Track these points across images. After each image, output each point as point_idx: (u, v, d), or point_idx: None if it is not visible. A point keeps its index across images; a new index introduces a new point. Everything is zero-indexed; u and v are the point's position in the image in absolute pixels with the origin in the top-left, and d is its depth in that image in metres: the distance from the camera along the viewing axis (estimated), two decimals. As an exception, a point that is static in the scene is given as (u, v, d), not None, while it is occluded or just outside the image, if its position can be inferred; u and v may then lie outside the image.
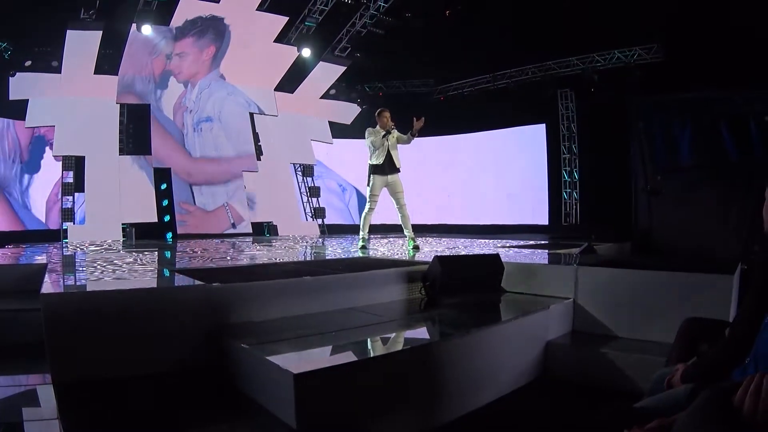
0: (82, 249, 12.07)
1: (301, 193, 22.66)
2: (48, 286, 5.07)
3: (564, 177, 19.92)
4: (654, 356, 4.64)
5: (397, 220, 10.32)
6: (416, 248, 10.06)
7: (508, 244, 12.17)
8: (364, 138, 10.16)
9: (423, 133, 10.17)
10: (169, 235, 18.20)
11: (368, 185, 10.16)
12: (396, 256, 8.98)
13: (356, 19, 19.21)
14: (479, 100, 21.58)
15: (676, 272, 5.83)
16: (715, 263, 5.90)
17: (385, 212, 11.12)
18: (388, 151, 10.01)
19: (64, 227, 17.31)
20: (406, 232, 10.37)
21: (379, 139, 10.01)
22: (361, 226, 10.46)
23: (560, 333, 5.95)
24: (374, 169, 10.07)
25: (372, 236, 15.77)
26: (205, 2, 18.21)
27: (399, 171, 10.14)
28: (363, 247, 10.14)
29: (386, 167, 10.04)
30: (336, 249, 11.38)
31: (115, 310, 4.22)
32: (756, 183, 2.94)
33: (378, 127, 10.15)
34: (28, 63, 16.92)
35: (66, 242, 15.93)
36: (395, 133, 10.13)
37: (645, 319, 5.61)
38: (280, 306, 5.06)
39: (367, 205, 10.23)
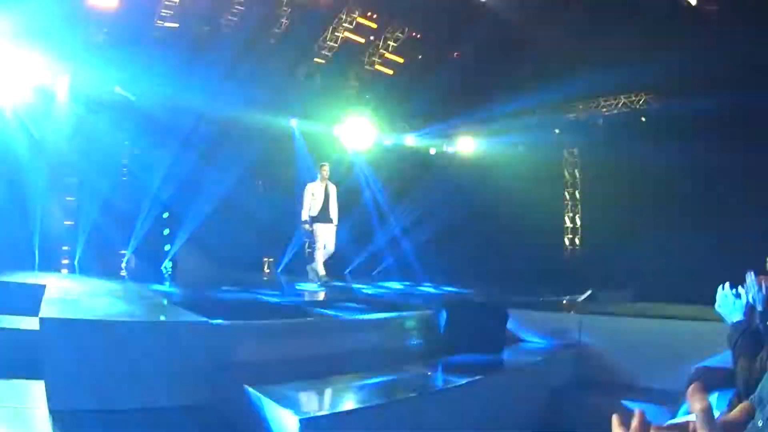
0: (82, 274, 12.00)
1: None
2: (47, 311, 4.97)
3: (566, 223, 19.80)
4: (660, 404, 4.58)
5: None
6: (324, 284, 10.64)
7: (512, 292, 12.08)
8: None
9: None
10: (169, 264, 18.07)
11: (312, 232, 11.03)
12: (396, 300, 8.95)
13: (365, 58, 19.33)
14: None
15: (682, 321, 5.80)
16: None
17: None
18: (326, 202, 10.90)
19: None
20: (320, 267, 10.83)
21: (321, 191, 10.90)
22: (319, 266, 10.91)
23: (564, 381, 5.88)
24: (313, 219, 10.85)
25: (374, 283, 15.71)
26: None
27: (334, 222, 11.05)
28: (326, 282, 10.64)
29: (321, 217, 10.86)
30: (335, 287, 11.34)
31: (116, 341, 4.16)
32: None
33: (318, 180, 11.08)
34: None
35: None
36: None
37: (650, 367, 5.55)
38: (283, 346, 4.97)
39: (317, 246, 10.99)
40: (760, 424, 2.09)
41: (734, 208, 13.19)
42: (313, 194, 10.88)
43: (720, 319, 3.07)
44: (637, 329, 6.06)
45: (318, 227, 10.85)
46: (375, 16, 16.77)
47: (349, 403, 3.92)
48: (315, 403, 3.94)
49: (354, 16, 16.32)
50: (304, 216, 10.86)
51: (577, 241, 19.29)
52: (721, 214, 13.36)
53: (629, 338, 5.95)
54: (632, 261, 14.07)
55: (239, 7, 14.66)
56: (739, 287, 3.00)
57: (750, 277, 3.03)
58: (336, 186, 11.26)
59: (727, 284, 2.98)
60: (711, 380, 3.44)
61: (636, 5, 12.52)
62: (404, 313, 6.40)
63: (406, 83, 17.71)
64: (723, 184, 13.49)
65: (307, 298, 9.45)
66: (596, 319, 6.55)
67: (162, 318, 5.62)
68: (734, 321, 2.93)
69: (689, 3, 13.33)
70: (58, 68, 12.63)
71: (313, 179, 11.21)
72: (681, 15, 13.33)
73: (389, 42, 17.56)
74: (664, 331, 5.77)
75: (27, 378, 4.12)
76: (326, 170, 11.16)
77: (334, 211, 10.99)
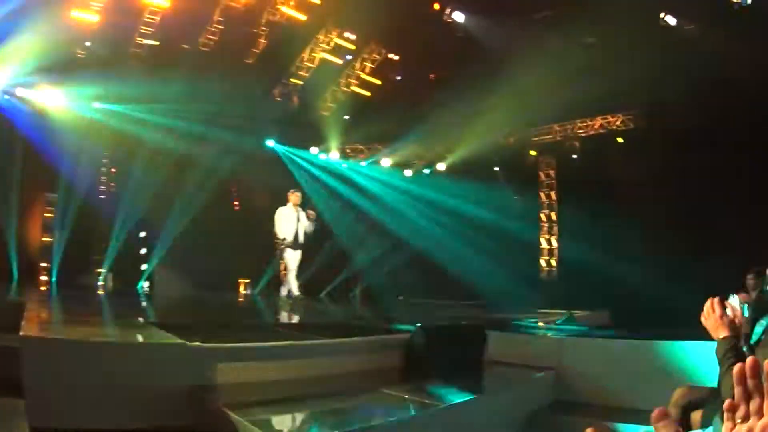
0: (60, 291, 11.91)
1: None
2: (27, 328, 4.90)
3: (542, 244, 19.79)
4: (640, 425, 4.58)
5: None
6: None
7: (491, 314, 12.09)
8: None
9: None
10: (146, 284, 17.86)
11: (281, 258, 11.43)
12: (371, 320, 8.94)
13: (342, 79, 19.34)
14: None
15: (662, 341, 5.82)
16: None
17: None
18: (297, 228, 11.08)
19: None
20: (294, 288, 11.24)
21: (293, 217, 11.07)
22: (293, 287, 11.24)
23: (544, 403, 5.87)
24: (287, 243, 11.07)
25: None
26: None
27: (302, 247, 11.29)
28: (300, 300, 11.14)
29: (292, 243, 11.08)
30: (312, 310, 11.36)
31: (93, 361, 4.11)
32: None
33: (290, 204, 11.21)
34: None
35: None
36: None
37: (630, 388, 5.55)
38: (262, 369, 4.93)
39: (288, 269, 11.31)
40: None
41: (713, 227, 13.29)
42: (285, 219, 11.03)
43: (704, 336, 3.04)
44: (617, 350, 6.07)
45: (288, 252, 11.09)
46: (353, 37, 16.86)
47: (328, 427, 3.89)
48: (294, 427, 3.91)
49: (332, 36, 16.40)
50: (280, 236, 10.98)
51: (553, 262, 19.33)
52: (699, 233, 13.47)
53: (609, 359, 5.95)
54: (609, 282, 14.14)
55: (218, 26, 14.72)
56: (729, 300, 2.97)
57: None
58: (306, 212, 11.34)
59: (716, 299, 2.95)
60: (695, 399, 3.47)
61: (613, 26, 12.64)
62: (382, 336, 6.37)
63: (383, 105, 17.76)
64: (702, 204, 13.58)
65: (284, 321, 9.39)
66: (575, 341, 6.56)
67: (139, 339, 5.54)
68: (721, 336, 2.90)
69: (667, 23, 13.54)
70: (37, 82, 12.62)
71: (284, 203, 11.29)
72: (659, 35, 13.52)
73: (366, 64, 17.64)
74: (645, 352, 5.79)
75: (8, 396, 4.07)
76: (297, 196, 11.33)
77: (303, 237, 11.16)
